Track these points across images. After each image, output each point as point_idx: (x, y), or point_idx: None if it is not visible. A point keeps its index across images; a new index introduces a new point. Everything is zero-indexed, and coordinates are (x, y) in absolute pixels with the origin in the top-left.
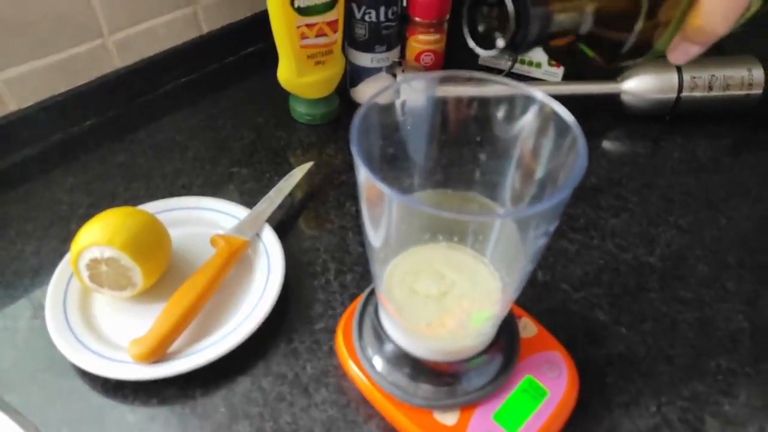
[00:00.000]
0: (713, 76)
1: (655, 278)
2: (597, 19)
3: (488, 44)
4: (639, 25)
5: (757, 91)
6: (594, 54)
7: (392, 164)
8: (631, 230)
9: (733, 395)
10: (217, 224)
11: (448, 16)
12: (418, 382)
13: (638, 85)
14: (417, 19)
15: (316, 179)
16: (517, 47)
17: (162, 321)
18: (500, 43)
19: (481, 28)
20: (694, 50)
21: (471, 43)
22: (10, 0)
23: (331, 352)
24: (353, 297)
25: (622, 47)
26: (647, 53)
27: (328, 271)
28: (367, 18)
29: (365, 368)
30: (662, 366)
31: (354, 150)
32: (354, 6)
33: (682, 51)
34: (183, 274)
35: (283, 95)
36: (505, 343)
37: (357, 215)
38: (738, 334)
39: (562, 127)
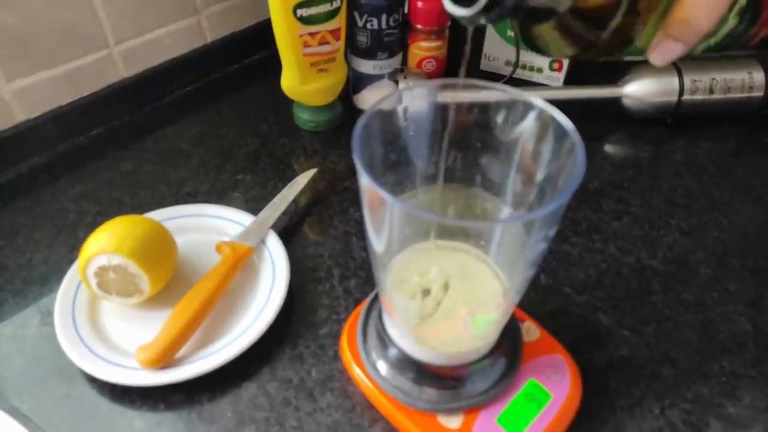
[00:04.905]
0: (714, 79)
1: (658, 281)
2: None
3: (466, 3)
4: (617, 18)
5: (758, 93)
6: (573, 47)
7: (394, 169)
8: (633, 233)
9: (737, 397)
10: (223, 231)
11: (449, 23)
12: (422, 386)
13: (639, 89)
14: (418, 26)
15: (320, 185)
16: (494, 8)
17: (169, 327)
18: (480, 2)
19: None
20: (677, 49)
21: (448, 4)
22: (17, 12)
23: (336, 356)
24: (357, 302)
25: (600, 37)
26: (626, 49)
27: (333, 276)
28: (369, 26)
29: (370, 372)
30: (665, 369)
31: (356, 158)
32: (356, 14)
33: (663, 49)
34: (189, 281)
35: (287, 103)
36: (509, 346)
37: (360, 221)
38: (741, 337)
39: (561, 132)
